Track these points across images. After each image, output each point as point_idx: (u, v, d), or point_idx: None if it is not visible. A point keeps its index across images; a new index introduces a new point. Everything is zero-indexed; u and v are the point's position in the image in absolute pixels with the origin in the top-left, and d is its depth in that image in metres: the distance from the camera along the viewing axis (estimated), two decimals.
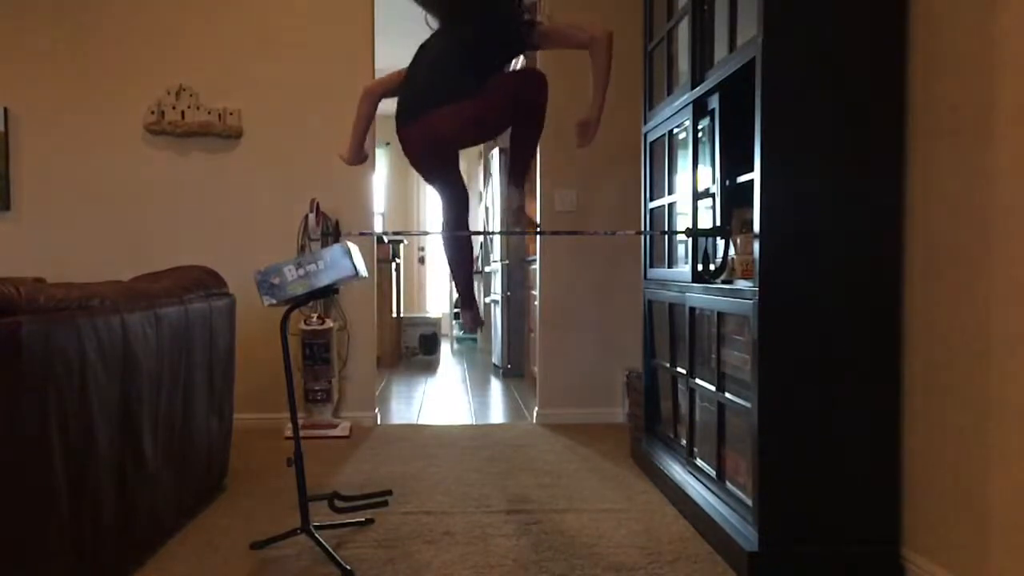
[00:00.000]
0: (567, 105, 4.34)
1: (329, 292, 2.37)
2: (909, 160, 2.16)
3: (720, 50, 2.56)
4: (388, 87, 2.70)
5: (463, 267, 2.91)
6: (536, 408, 4.41)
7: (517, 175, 2.73)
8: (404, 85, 2.63)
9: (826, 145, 2.17)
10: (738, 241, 2.50)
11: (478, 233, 2.96)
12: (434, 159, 2.62)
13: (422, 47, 2.69)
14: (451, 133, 2.52)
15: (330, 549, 2.29)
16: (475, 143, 2.75)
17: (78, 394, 1.89)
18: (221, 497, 2.95)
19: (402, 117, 2.58)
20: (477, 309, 3.04)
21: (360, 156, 2.88)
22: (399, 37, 6.67)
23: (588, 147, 2.85)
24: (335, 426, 4.04)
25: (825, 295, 2.18)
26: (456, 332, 8.47)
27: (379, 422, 4.38)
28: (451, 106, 2.48)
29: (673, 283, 3.07)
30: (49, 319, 1.80)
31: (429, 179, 2.76)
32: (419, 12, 2.75)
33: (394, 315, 6.98)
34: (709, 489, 2.62)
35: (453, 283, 3.08)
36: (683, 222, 3.02)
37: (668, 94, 3.18)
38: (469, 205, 2.80)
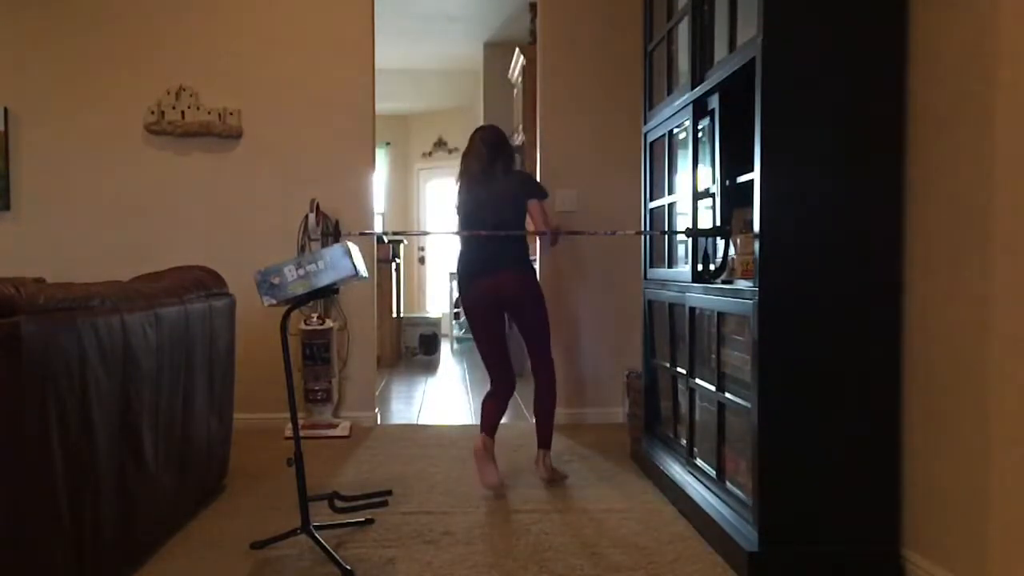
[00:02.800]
0: (567, 106, 4.35)
1: (329, 292, 2.37)
2: (909, 160, 2.16)
3: (720, 50, 2.56)
4: None
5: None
6: None
7: (546, 439, 3.21)
8: (464, 246, 3.27)
9: (826, 145, 2.17)
10: (738, 241, 2.50)
11: (478, 233, 3.01)
12: (494, 311, 3.20)
13: (466, 198, 3.25)
14: (517, 289, 3.16)
15: (330, 549, 2.28)
16: (528, 308, 3.24)
17: (78, 394, 1.89)
18: (221, 497, 2.95)
19: (470, 275, 3.20)
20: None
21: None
22: (399, 37, 6.70)
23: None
24: (335, 426, 4.04)
25: (825, 295, 2.18)
26: (456, 332, 8.47)
27: (379, 422, 4.38)
28: (517, 271, 3.18)
29: (673, 283, 3.07)
30: (49, 319, 1.80)
31: (486, 335, 3.23)
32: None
33: (394, 315, 6.98)
34: (709, 489, 2.62)
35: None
36: (683, 222, 3.02)
37: (668, 94, 3.18)
38: (512, 387, 3.26)
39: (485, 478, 2.99)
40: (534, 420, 3.28)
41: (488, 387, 3.26)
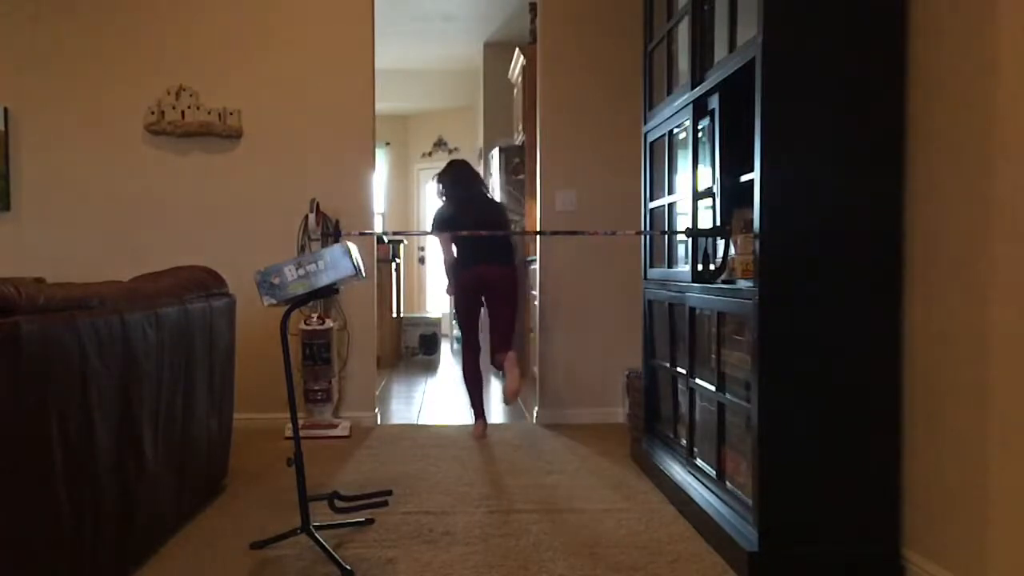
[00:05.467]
0: (567, 106, 4.35)
1: (329, 292, 2.37)
2: (909, 159, 2.16)
3: (720, 50, 2.56)
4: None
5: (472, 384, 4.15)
6: (536, 408, 4.41)
7: (505, 346, 3.98)
8: (458, 244, 4.02)
9: (826, 145, 2.17)
10: (738, 241, 2.50)
11: (478, 233, 3.03)
12: (477, 294, 4.03)
13: (455, 201, 4.11)
14: (498, 279, 3.97)
15: (330, 549, 2.28)
16: (503, 297, 4.00)
17: (78, 394, 1.89)
18: (221, 497, 2.95)
19: (464, 265, 3.99)
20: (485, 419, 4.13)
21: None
22: (399, 37, 6.70)
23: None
24: (335, 426, 4.04)
25: (825, 295, 2.18)
26: (456, 332, 8.45)
27: (379, 422, 4.38)
28: (501, 265, 3.98)
29: (673, 283, 3.07)
30: (49, 319, 1.80)
31: (466, 310, 4.09)
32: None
33: (394, 315, 6.98)
34: (709, 489, 2.62)
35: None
36: (683, 222, 3.02)
37: (668, 94, 3.18)
38: (479, 350, 4.15)
39: (477, 436, 3.96)
40: (496, 361, 4.01)
41: (463, 358, 4.12)
